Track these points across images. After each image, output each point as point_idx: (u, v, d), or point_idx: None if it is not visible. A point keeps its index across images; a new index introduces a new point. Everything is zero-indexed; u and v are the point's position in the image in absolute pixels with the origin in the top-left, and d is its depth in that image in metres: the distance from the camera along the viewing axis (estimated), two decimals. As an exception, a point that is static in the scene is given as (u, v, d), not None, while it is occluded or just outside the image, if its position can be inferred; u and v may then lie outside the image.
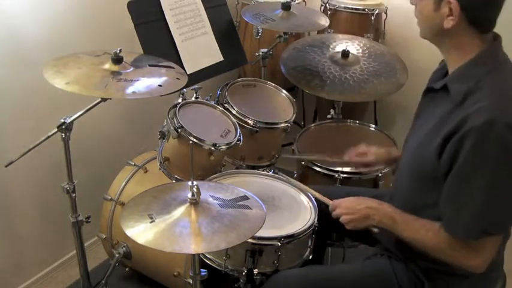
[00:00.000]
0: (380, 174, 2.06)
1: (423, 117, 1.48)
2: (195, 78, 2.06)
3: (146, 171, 2.10)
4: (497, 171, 1.26)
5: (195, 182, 1.28)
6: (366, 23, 2.70)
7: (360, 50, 2.48)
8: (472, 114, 1.26)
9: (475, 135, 1.24)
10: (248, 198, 1.39)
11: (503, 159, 1.25)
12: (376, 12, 2.68)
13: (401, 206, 1.49)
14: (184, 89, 1.99)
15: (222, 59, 2.20)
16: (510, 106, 1.28)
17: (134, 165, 2.11)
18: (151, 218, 1.26)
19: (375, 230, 1.52)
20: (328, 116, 2.51)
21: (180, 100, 1.99)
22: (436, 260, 1.42)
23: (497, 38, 1.37)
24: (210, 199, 1.35)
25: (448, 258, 1.39)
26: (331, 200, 1.62)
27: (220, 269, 1.64)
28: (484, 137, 1.24)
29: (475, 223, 1.31)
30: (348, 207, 1.54)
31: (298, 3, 2.83)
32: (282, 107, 2.28)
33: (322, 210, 1.72)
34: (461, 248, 1.35)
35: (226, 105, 2.09)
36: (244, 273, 1.61)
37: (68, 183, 1.75)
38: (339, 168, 2.07)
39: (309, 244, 1.69)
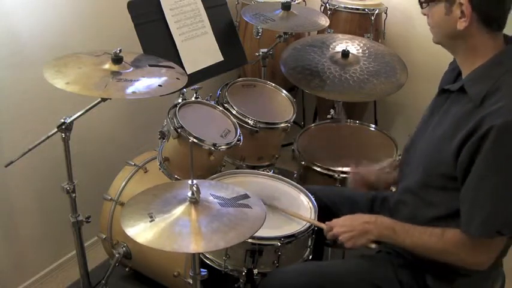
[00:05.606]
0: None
1: (437, 116, 1.47)
2: (195, 78, 2.06)
3: (146, 171, 2.10)
4: None
5: (195, 181, 1.28)
6: (366, 23, 2.71)
7: (360, 50, 2.48)
8: (491, 113, 1.26)
9: (494, 135, 1.24)
10: (249, 197, 1.38)
11: None
12: (376, 12, 2.68)
13: (414, 200, 1.48)
14: (184, 89, 1.99)
15: (222, 59, 2.20)
16: None
17: (134, 165, 2.11)
18: (151, 217, 1.26)
19: (373, 246, 1.50)
20: (328, 116, 2.51)
21: (180, 100, 1.99)
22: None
23: (509, 41, 1.38)
24: (211, 198, 1.35)
25: (454, 259, 1.39)
26: (324, 222, 1.59)
27: (220, 269, 1.64)
28: (503, 136, 1.24)
29: (490, 222, 1.30)
30: (345, 225, 1.52)
31: (298, 3, 2.84)
32: (282, 107, 2.28)
33: (322, 210, 1.72)
34: (468, 248, 1.35)
35: (226, 105, 2.09)
36: (244, 273, 1.61)
37: (68, 183, 1.74)
38: (339, 168, 2.07)
39: (309, 244, 1.69)
